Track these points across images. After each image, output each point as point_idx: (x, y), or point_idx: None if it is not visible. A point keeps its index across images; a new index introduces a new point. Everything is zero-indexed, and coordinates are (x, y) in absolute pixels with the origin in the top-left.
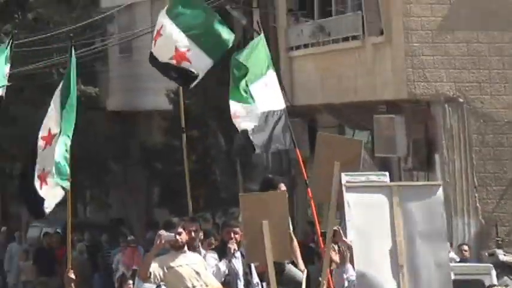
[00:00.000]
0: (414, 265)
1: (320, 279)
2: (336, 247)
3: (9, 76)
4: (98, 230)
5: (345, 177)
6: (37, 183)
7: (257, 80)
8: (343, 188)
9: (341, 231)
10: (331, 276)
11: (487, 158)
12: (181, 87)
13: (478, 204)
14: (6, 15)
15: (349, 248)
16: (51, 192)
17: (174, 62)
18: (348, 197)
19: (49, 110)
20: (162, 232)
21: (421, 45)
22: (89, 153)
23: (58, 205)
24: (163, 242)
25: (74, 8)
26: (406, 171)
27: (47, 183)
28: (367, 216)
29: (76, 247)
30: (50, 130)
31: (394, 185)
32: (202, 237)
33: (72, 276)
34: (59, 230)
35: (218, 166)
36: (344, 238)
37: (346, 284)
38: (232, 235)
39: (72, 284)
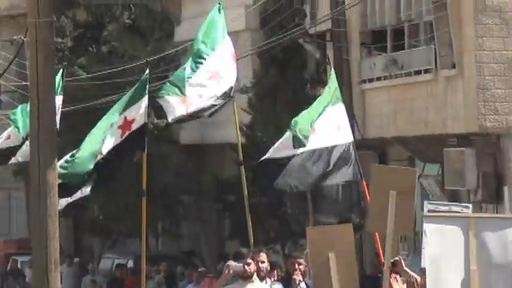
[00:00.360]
0: None
1: None
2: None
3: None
4: (171, 261)
5: (427, 206)
6: None
7: (320, 115)
8: (423, 217)
9: (402, 261)
10: None
11: None
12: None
13: None
14: (80, 48)
15: (411, 277)
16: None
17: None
18: (426, 226)
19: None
20: (231, 262)
21: (493, 78)
22: (161, 185)
23: (128, 237)
24: (231, 272)
25: (149, 41)
26: (475, 203)
27: None
28: (443, 246)
29: (154, 278)
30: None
31: (472, 216)
32: (269, 268)
33: None
34: (130, 263)
35: (289, 198)
36: (405, 268)
37: None
38: (296, 266)
39: None
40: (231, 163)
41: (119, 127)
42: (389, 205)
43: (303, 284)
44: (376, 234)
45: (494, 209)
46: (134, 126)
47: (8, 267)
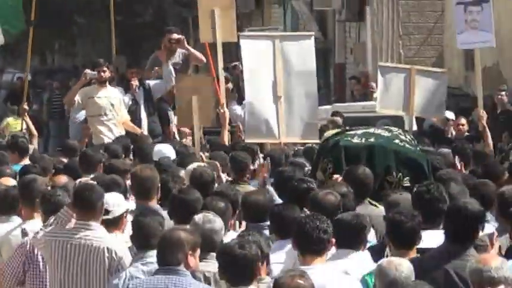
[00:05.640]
0: (289, 95)
1: None
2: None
3: None
4: (65, 74)
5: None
6: None
7: None
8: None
9: None
10: None
11: (412, 10)
12: None
13: (401, 51)
14: None
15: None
16: None
17: None
18: (243, 44)
19: None
20: (87, 70)
21: None
22: (55, 7)
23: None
24: (87, 77)
25: None
26: (340, 22)
27: None
28: (257, 59)
29: (46, 91)
30: None
31: (276, 35)
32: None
33: (26, 107)
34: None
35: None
36: None
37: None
38: (134, 75)
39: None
40: None
41: None
42: None
43: (139, 89)
44: None
45: (357, 27)
46: None
47: None
